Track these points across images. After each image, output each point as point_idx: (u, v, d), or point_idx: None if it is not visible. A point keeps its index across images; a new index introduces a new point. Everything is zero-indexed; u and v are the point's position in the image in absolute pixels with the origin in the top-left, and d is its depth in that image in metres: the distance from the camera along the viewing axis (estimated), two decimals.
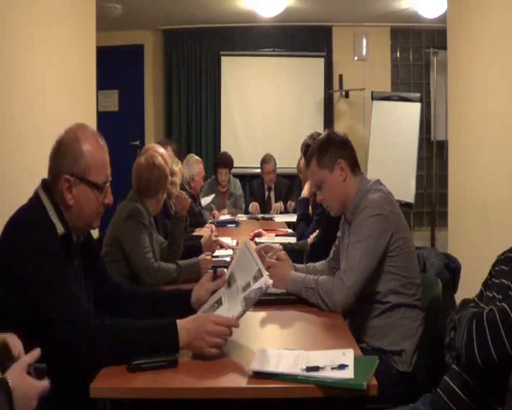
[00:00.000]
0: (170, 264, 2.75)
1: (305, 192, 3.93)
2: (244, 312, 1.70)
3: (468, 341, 1.54)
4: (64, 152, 1.73)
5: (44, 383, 1.28)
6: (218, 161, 6.11)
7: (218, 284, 1.94)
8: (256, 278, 1.70)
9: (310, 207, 3.96)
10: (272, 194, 6.24)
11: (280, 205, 5.94)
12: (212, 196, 5.47)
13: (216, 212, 5.50)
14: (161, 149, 3.20)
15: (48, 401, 1.29)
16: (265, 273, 1.71)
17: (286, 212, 5.81)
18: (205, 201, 5.38)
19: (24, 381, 1.24)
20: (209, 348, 1.65)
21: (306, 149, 3.31)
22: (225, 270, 2.01)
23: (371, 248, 2.16)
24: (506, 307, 1.52)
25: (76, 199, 1.73)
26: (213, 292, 1.94)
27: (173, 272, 2.69)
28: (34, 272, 1.61)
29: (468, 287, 2.08)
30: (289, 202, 5.67)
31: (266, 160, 6.18)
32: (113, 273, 2.12)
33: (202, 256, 2.85)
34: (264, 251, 2.49)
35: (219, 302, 1.83)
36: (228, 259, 3.09)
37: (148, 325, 1.69)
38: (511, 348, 1.48)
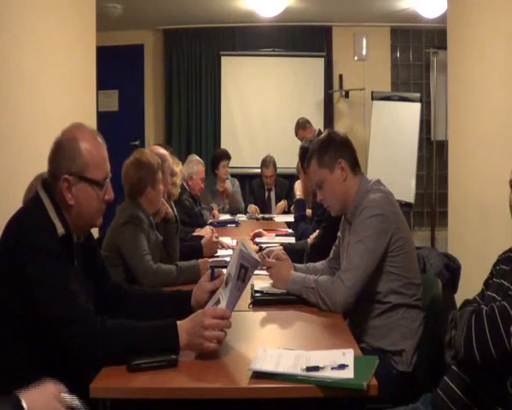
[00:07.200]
0: (169, 265, 2.74)
1: (299, 193, 3.90)
2: (231, 299, 1.71)
3: (467, 337, 1.54)
4: (62, 152, 1.73)
5: None
6: (222, 155, 6.09)
7: (215, 284, 1.95)
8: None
9: (309, 208, 3.94)
10: (272, 194, 6.23)
11: (284, 203, 5.93)
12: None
13: (216, 212, 5.51)
14: (162, 150, 3.20)
15: None
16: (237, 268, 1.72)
17: (289, 211, 5.81)
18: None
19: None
20: (208, 342, 1.64)
21: (303, 152, 3.28)
22: (223, 270, 2.01)
23: (371, 248, 2.16)
24: (506, 304, 1.52)
25: (76, 198, 1.73)
26: (212, 292, 1.94)
27: (173, 273, 2.68)
28: (34, 272, 1.61)
29: (468, 287, 2.08)
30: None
31: (266, 163, 6.16)
32: None
33: (201, 259, 2.84)
34: (266, 255, 2.48)
35: (218, 302, 1.83)
36: (228, 259, 3.09)
37: (148, 326, 1.69)
38: (510, 344, 1.48)
